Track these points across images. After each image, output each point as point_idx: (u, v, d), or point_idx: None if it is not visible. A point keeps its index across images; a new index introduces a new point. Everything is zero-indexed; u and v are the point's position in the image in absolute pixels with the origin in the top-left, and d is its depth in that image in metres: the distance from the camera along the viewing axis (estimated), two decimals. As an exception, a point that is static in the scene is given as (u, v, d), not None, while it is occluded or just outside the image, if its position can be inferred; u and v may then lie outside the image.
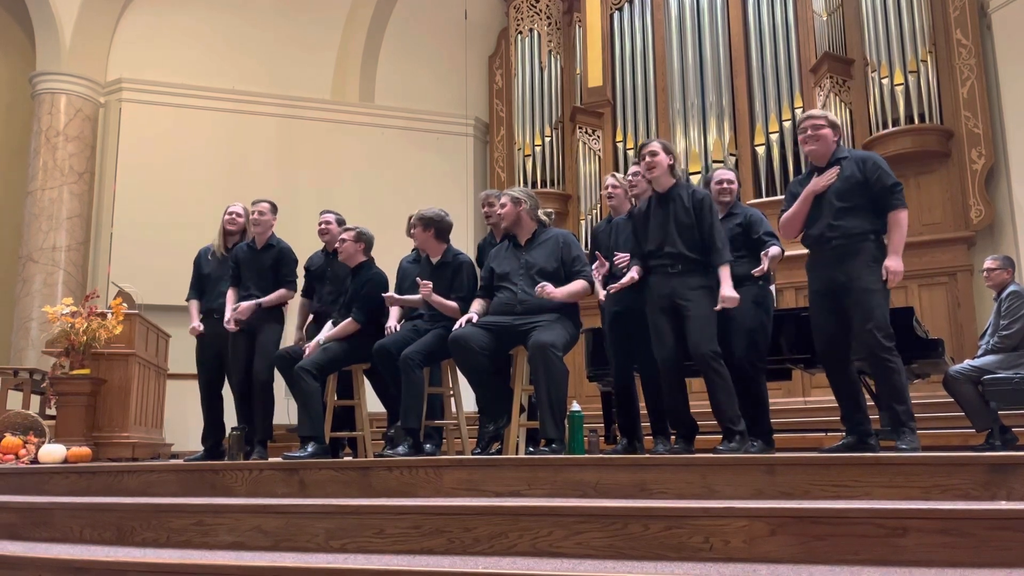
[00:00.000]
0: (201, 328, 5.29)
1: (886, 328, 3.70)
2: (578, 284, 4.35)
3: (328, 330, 4.89)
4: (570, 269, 4.40)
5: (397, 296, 4.91)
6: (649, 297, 4.16)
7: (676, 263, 4.06)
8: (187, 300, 5.43)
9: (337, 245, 5.09)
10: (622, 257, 4.33)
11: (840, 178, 3.85)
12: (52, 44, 9.58)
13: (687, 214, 4.08)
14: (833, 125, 3.96)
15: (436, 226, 4.80)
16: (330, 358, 4.76)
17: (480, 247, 5.33)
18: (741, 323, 4.20)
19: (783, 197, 8.67)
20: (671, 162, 4.19)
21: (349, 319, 4.83)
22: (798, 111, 8.67)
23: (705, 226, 4.06)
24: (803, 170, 8.35)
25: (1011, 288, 5.20)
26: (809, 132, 3.94)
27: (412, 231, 4.86)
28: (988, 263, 5.40)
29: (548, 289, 4.16)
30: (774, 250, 4.25)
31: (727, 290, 3.93)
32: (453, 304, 4.62)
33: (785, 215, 4.03)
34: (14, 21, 10.23)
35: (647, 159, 4.18)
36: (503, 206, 4.51)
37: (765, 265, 4.17)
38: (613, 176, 4.81)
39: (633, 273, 4.17)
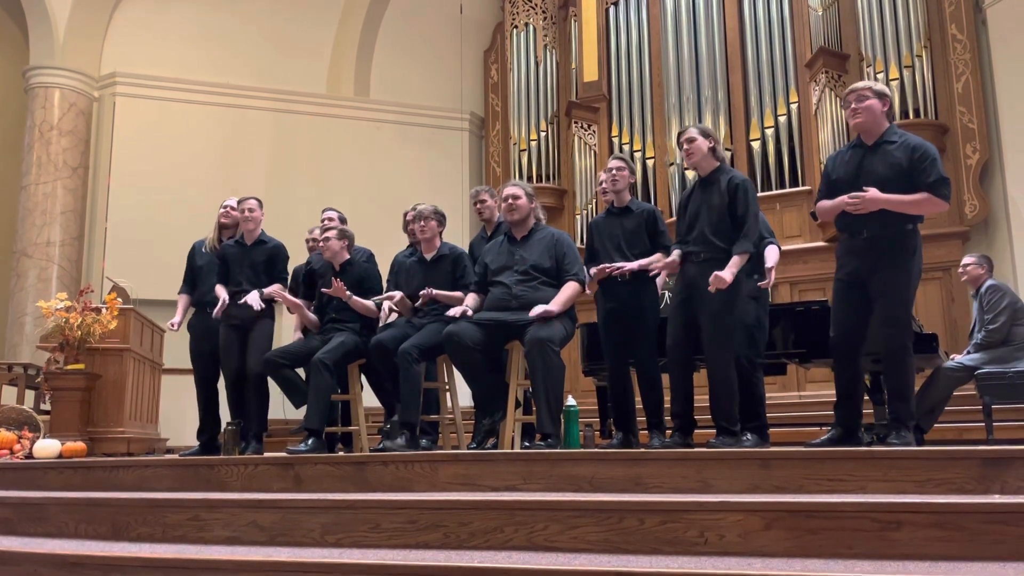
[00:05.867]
0: (178, 324, 5.33)
1: (909, 325, 3.67)
2: (569, 288, 4.34)
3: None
4: (561, 268, 4.40)
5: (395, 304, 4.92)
6: (677, 282, 4.17)
7: (701, 250, 4.03)
8: (178, 293, 5.45)
9: (320, 244, 5.08)
10: (615, 267, 4.32)
11: (885, 164, 3.69)
12: (46, 38, 9.54)
13: (721, 199, 4.02)
14: (880, 95, 3.76)
15: (446, 221, 4.94)
16: (346, 351, 4.77)
17: (472, 245, 5.33)
18: (739, 319, 4.19)
19: (779, 192, 8.79)
20: (711, 145, 4.13)
21: (372, 302, 4.92)
22: (793, 106, 8.68)
23: (739, 211, 3.97)
24: (799, 165, 8.51)
25: (988, 283, 5.25)
26: (853, 104, 3.76)
27: (421, 225, 4.86)
28: (965, 260, 5.47)
29: (544, 311, 4.13)
30: (772, 258, 4.25)
31: (725, 272, 3.85)
32: (459, 294, 4.65)
33: (819, 205, 3.89)
34: (7, 15, 10.18)
35: (685, 146, 4.16)
36: (516, 198, 4.46)
37: (771, 279, 4.16)
38: (604, 171, 4.79)
39: (675, 255, 4.16)
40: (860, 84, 3.86)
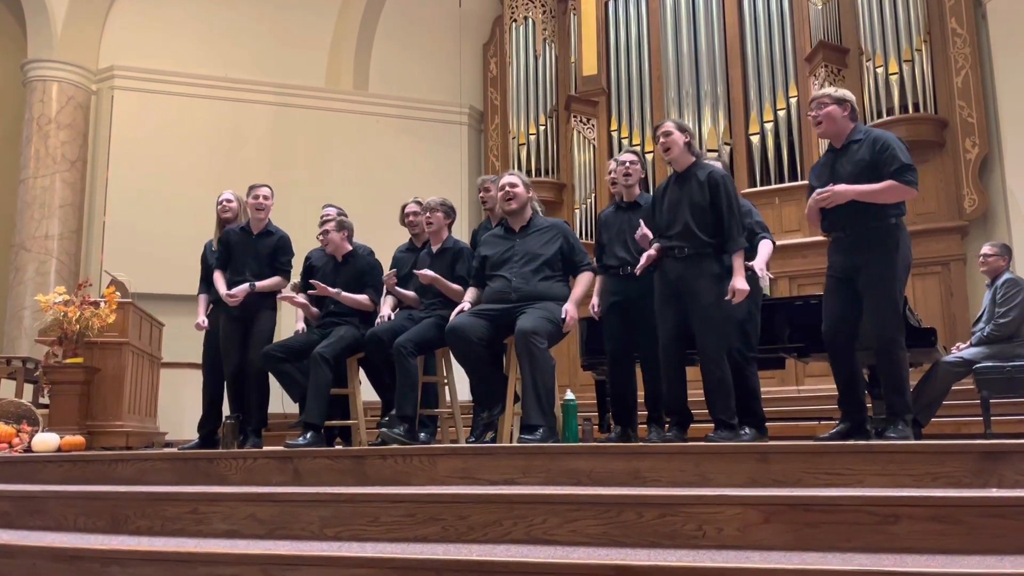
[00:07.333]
0: (205, 324, 5.35)
1: (897, 318, 3.69)
2: (585, 278, 4.34)
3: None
4: (570, 260, 4.38)
5: (396, 288, 4.92)
6: (658, 280, 4.14)
7: (685, 245, 4.02)
8: (198, 294, 5.49)
9: (320, 237, 5.09)
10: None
11: (851, 162, 3.77)
12: (44, 31, 9.51)
13: (702, 194, 4.02)
14: (839, 101, 3.83)
15: (454, 214, 4.92)
16: (346, 345, 4.77)
17: (475, 233, 5.33)
18: (731, 314, 4.19)
19: (777, 186, 8.80)
20: (687, 140, 4.13)
21: (365, 295, 4.93)
22: (792, 100, 8.67)
23: (722, 207, 3.98)
24: (798, 160, 8.51)
25: (1007, 276, 5.19)
26: (813, 113, 3.87)
27: (427, 216, 4.85)
28: (985, 249, 5.38)
29: (571, 320, 4.13)
30: (765, 252, 4.24)
31: (738, 281, 3.89)
32: (458, 288, 4.63)
33: (806, 212, 3.97)
34: (5, 8, 10.15)
35: (662, 140, 4.15)
36: (514, 186, 4.41)
37: (766, 282, 4.16)
38: (615, 160, 4.77)
39: (651, 251, 4.13)
40: (819, 92, 3.94)
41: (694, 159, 4.16)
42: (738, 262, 3.94)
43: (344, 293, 4.87)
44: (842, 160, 3.83)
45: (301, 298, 5.08)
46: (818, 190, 3.77)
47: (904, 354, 3.70)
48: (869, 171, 3.71)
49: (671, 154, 4.15)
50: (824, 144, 8.00)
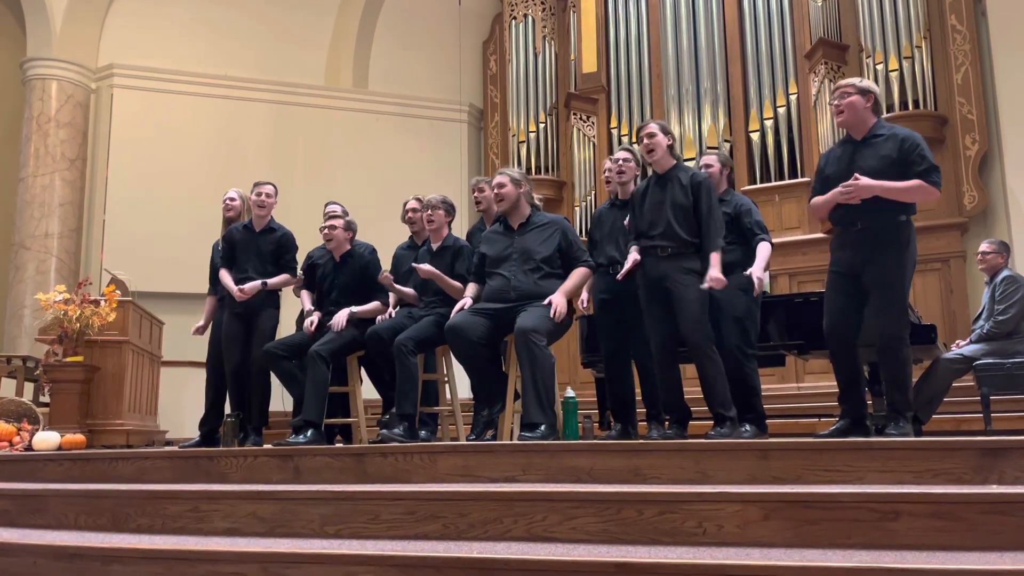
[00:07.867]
0: (203, 327, 5.44)
1: (904, 316, 3.68)
2: (579, 273, 4.32)
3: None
4: (568, 255, 4.37)
5: (395, 285, 4.92)
6: (641, 281, 4.14)
7: (668, 245, 4.04)
8: (208, 295, 5.56)
9: (324, 231, 5.09)
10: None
11: (876, 157, 3.72)
12: (43, 30, 9.49)
13: (684, 195, 4.06)
14: (864, 91, 3.78)
15: (455, 212, 4.95)
16: (344, 343, 4.77)
17: (470, 234, 5.32)
18: (730, 311, 4.20)
19: (778, 184, 8.79)
20: (670, 142, 4.17)
21: (377, 303, 4.93)
22: (792, 97, 8.66)
23: (703, 209, 4.04)
24: (798, 157, 8.50)
25: (1005, 273, 5.19)
26: (836, 102, 3.82)
27: (429, 214, 4.86)
28: (984, 246, 5.39)
29: (559, 309, 4.11)
30: (764, 254, 4.24)
31: (714, 271, 3.93)
32: (458, 285, 4.62)
33: (814, 202, 3.92)
34: (4, 7, 10.13)
35: (645, 141, 4.17)
36: (501, 187, 4.40)
37: (759, 272, 4.16)
38: (610, 159, 4.79)
39: (635, 254, 4.14)
40: (844, 81, 3.90)
41: (675, 162, 4.20)
42: (715, 258, 3.98)
43: (357, 311, 4.85)
44: (864, 153, 3.78)
45: (307, 298, 5.11)
46: (843, 184, 3.68)
47: (909, 351, 3.70)
48: (894, 168, 3.67)
49: (654, 156, 4.18)
50: (825, 142, 8.03)
